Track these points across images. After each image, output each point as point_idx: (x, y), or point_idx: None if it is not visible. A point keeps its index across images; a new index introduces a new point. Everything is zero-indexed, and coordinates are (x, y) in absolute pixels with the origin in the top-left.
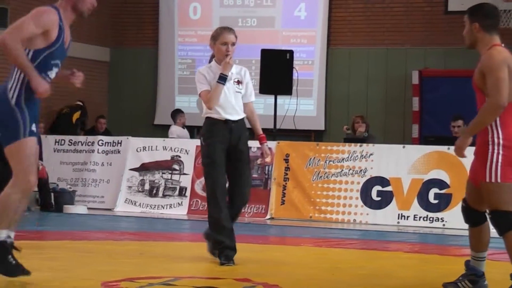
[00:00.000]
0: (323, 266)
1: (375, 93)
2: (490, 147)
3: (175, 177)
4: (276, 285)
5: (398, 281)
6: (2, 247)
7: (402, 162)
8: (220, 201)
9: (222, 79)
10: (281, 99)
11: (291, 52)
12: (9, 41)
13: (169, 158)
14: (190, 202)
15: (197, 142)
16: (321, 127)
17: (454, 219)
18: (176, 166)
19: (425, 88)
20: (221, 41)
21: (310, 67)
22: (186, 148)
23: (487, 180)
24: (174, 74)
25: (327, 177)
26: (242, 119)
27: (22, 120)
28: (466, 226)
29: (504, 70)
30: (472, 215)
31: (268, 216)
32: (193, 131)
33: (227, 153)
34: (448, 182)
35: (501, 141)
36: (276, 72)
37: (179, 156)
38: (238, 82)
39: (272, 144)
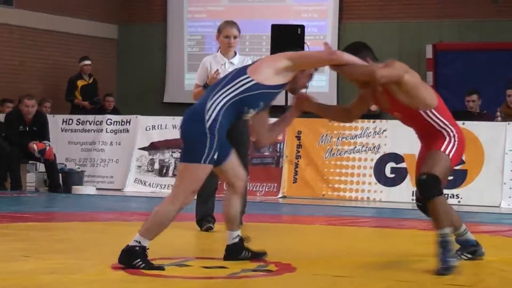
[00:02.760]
0: (337, 245)
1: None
2: (447, 138)
3: None
4: (289, 264)
5: (415, 258)
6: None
7: (416, 138)
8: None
9: (206, 87)
10: None
11: (302, 27)
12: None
13: (178, 137)
14: None
15: None
16: (334, 103)
17: (469, 195)
18: None
19: (439, 62)
20: (224, 34)
21: (321, 42)
22: None
23: (443, 149)
24: (183, 51)
25: (340, 154)
26: None
27: (209, 146)
28: (482, 203)
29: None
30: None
31: (280, 195)
32: None
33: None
34: (463, 157)
35: (455, 135)
36: (287, 47)
37: None
38: None
39: None
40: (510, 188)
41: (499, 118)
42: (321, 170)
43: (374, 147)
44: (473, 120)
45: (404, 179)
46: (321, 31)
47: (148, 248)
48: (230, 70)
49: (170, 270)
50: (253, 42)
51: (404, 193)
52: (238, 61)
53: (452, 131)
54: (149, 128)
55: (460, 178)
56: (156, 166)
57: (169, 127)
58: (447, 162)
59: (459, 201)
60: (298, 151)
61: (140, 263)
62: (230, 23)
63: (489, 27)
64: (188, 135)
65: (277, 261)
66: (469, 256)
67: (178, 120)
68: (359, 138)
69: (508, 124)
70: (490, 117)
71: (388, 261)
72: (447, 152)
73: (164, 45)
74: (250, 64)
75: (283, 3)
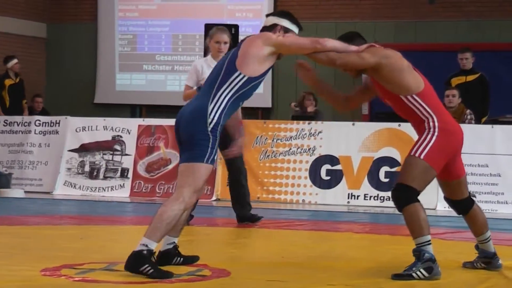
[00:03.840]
0: (271, 248)
1: (324, 69)
2: (426, 131)
3: (117, 158)
4: (223, 269)
5: (349, 262)
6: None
7: (351, 139)
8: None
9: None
10: None
11: (236, 27)
12: None
13: (110, 138)
14: (133, 184)
15: (139, 121)
16: (268, 104)
17: None
18: (117, 147)
19: None
20: (215, 39)
21: None
22: (128, 127)
23: (412, 153)
24: (114, 50)
25: (274, 156)
26: None
27: (211, 146)
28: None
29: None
30: (458, 206)
31: (214, 198)
32: (136, 110)
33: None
34: (399, 159)
35: (436, 124)
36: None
37: (121, 136)
38: None
39: None
40: None
41: None
42: (256, 172)
43: (309, 149)
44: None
45: (339, 181)
46: (256, 31)
47: (155, 252)
48: None
49: (97, 274)
50: (186, 42)
51: (340, 196)
52: None
53: (433, 122)
54: (79, 130)
55: (395, 181)
56: (87, 168)
57: (100, 128)
58: (419, 165)
59: None
60: None
61: (149, 268)
62: (221, 29)
63: (425, 28)
64: (191, 135)
65: (211, 266)
66: (484, 265)
67: (109, 121)
68: (294, 139)
69: None
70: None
71: (323, 265)
72: (417, 154)
73: (95, 44)
74: (236, 57)
75: (217, 2)
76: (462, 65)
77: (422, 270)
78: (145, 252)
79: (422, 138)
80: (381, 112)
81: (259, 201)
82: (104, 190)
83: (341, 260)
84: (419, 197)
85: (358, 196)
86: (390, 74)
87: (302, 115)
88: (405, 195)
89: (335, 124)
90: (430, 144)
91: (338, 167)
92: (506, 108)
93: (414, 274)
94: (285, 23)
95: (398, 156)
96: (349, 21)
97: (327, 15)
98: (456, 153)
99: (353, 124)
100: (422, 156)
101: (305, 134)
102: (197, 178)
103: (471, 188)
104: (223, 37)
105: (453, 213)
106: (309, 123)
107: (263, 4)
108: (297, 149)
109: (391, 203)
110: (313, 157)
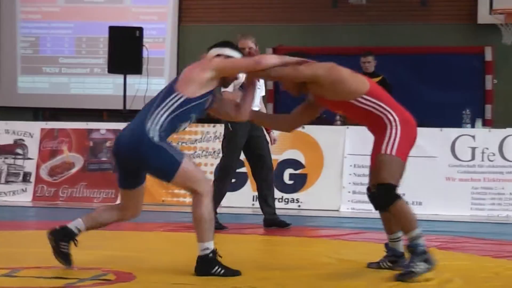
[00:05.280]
0: (177, 251)
1: None
2: (389, 126)
3: (19, 162)
4: (129, 273)
5: (254, 264)
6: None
7: None
8: (227, 178)
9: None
10: (131, 79)
11: (140, 29)
12: None
13: (12, 142)
14: (35, 188)
15: (41, 125)
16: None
17: (309, 199)
18: (19, 150)
19: None
20: (240, 46)
21: (161, 45)
22: (31, 131)
23: (383, 151)
24: (16, 52)
25: None
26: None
27: (169, 148)
28: (321, 207)
29: None
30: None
31: (118, 201)
32: (38, 113)
33: (247, 139)
34: (303, 162)
35: (396, 117)
36: (125, 50)
37: (23, 140)
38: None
39: (121, 125)
40: (349, 192)
41: (338, 122)
42: None
43: (214, 152)
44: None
45: (244, 184)
46: (161, 34)
47: (217, 251)
48: None
49: None
50: (90, 45)
51: (245, 198)
52: None
53: (391, 115)
54: None
55: (300, 183)
56: None
57: (1, 131)
58: (393, 162)
59: (299, 206)
60: None
61: (219, 269)
62: (245, 35)
63: (330, 32)
64: (144, 158)
65: (116, 270)
66: (390, 265)
67: (11, 124)
68: (199, 142)
69: (347, 128)
70: (329, 121)
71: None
72: (388, 151)
73: None
74: (176, 81)
75: (121, 5)
76: (365, 68)
77: (421, 264)
78: (210, 254)
79: (388, 134)
80: None
81: (164, 204)
82: (6, 195)
83: (246, 263)
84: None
85: None
86: (332, 84)
87: (207, 118)
88: (388, 193)
89: None
90: (397, 138)
91: (243, 169)
92: (408, 109)
93: (415, 270)
94: (227, 51)
95: (302, 158)
96: (253, 24)
97: (232, 18)
98: (415, 140)
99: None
100: (393, 152)
101: (210, 137)
102: (191, 174)
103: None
104: (247, 42)
105: (356, 214)
106: (214, 126)
107: (167, 7)
108: (202, 152)
109: (295, 205)
110: (218, 160)
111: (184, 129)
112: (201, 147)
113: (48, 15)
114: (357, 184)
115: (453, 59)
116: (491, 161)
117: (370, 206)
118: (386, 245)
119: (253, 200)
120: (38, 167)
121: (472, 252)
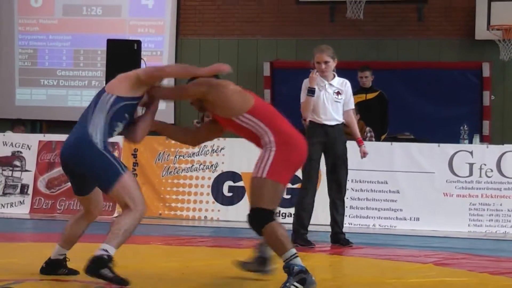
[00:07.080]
0: (172, 265)
1: None
2: (264, 148)
3: (16, 174)
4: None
5: (250, 276)
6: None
7: (254, 156)
8: (309, 189)
9: (310, 91)
10: None
11: (138, 42)
12: None
13: (9, 154)
14: (33, 201)
15: (39, 137)
16: (171, 120)
17: None
18: (17, 162)
19: (276, 80)
20: (316, 60)
21: (158, 58)
22: (28, 143)
23: (254, 174)
24: (14, 64)
25: (177, 172)
26: (338, 125)
27: (113, 158)
28: (317, 221)
29: None
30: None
31: (115, 214)
32: (36, 126)
33: (324, 153)
34: (300, 176)
35: (272, 139)
36: (123, 63)
37: (21, 152)
38: (338, 93)
39: (118, 139)
40: (346, 207)
41: None
42: (158, 188)
43: (211, 166)
44: None
45: (242, 198)
46: (158, 47)
47: (114, 261)
48: (329, 91)
49: None
50: (88, 57)
51: (242, 212)
52: (337, 83)
53: (268, 137)
54: None
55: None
56: None
57: None
58: (264, 185)
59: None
60: (134, 169)
61: (109, 273)
62: (320, 49)
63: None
64: (88, 164)
65: (109, 283)
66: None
67: (9, 136)
68: (196, 156)
69: None
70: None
71: (222, 282)
72: (259, 174)
73: None
74: (105, 85)
75: (119, 17)
76: (362, 83)
77: (296, 284)
78: (105, 257)
79: (261, 158)
80: None
81: (161, 217)
82: (3, 207)
83: (240, 277)
84: None
85: None
86: (216, 101)
87: None
88: (258, 217)
89: (238, 141)
90: (270, 161)
91: (240, 183)
92: (405, 125)
93: None
94: None
95: (299, 172)
96: (251, 38)
97: (229, 32)
98: (303, 162)
99: None
100: (264, 175)
101: (208, 150)
102: (130, 193)
103: (372, 204)
104: (322, 56)
105: (353, 229)
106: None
107: (165, 20)
108: (200, 165)
109: (291, 220)
110: (216, 174)
111: (120, 130)
112: (199, 160)
113: (46, 28)
114: (354, 199)
115: (450, 74)
116: (489, 177)
117: (367, 221)
118: (258, 245)
119: None
120: (35, 179)
121: (470, 269)
